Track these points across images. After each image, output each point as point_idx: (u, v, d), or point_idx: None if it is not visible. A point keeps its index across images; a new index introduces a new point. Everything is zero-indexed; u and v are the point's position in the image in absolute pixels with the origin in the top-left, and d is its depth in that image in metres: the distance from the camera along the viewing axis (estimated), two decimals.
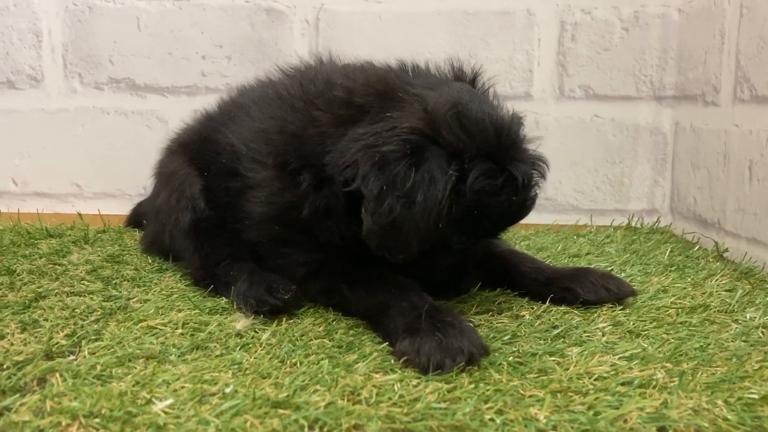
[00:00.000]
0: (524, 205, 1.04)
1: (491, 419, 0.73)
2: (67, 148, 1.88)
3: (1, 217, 1.76)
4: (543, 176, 1.06)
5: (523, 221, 1.81)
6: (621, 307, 1.10)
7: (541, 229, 1.76)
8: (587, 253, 1.48)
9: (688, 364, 0.87)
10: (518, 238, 1.65)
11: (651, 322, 1.04)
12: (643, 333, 1.00)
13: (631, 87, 1.83)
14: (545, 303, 1.13)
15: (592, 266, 1.30)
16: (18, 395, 0.77)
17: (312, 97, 1.07)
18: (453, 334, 0.88)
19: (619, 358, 0.89)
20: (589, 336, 0.98)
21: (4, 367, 0.84)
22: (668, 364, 0.87)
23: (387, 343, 0.94)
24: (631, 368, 0.86)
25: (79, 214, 1.81)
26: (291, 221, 1.05)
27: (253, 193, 1.10)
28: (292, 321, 1.04)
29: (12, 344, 0.92)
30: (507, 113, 1.05)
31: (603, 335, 0.98)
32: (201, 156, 1.28)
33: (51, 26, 1.84)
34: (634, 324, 1.03)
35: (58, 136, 1.88)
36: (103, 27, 1.84)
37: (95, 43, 1.85)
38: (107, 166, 1.87)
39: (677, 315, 1.07)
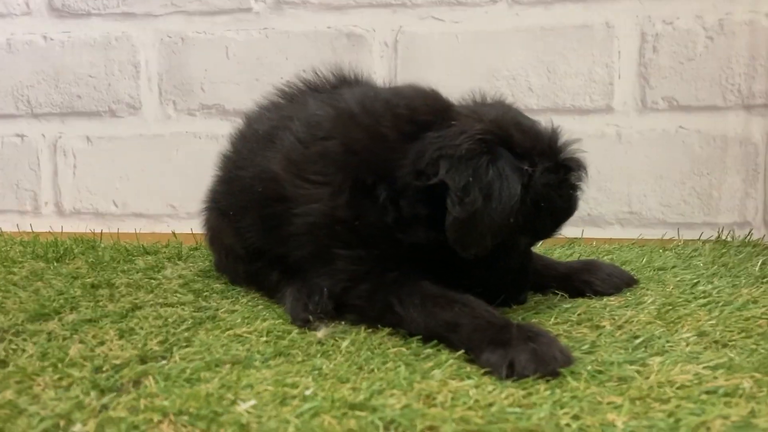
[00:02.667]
0: (577, 201, 1.12)
1: (567, 424, 0.72)
2: (162, 171, 2.00)
3: (102, 237, 1.88)
4: (585, 177, 1.13)
5: (608, 236, 1.79)
6: (707, 317, 1.07)
7: (626, 244, 1.73)
8: (673, 266, 1.43)
9: None
10: (601, 252, 1.62)
11: (739, 332, 1.00)
12: (730, 343, 0.96)
13: (718, 97, 1.78)
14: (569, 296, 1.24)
15: (601, 259, 1.43)
16: (115, 395, 0.82)
17: (377, 116, 1.11)
18: (545, 342, 0.88)
19: (704, 368, 0.86)
20: (672, 346, 0.96)
21: (104, 369, 0.90)
22: (757, 374, 0.83)
23: (462, 352, 0.94)
24: (716, 377, 0.83)
25: (174, 233, 1.91)
26: (355, 229, 1.09)
27: (303, 209, 1.12)
28: (370, 330, 1.07)
29: (111, 349, 0.98)
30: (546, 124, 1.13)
31: (687, 345, 0.95)
32: (227, 199, 1.32)
33: (148, 57, 1.96)
34: (720, 334, 0.99)
35: (155, 160, 2.00)
36: (194, 56, 1.95)
37: (188, 72, 1.96)
38: (200, 187, 1.94)
39: None
